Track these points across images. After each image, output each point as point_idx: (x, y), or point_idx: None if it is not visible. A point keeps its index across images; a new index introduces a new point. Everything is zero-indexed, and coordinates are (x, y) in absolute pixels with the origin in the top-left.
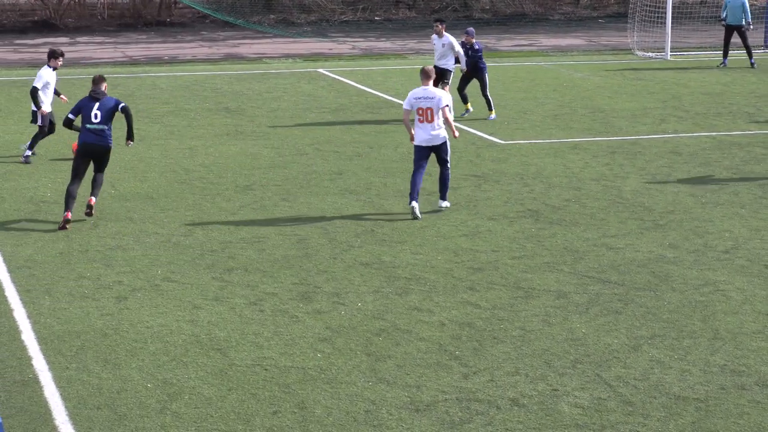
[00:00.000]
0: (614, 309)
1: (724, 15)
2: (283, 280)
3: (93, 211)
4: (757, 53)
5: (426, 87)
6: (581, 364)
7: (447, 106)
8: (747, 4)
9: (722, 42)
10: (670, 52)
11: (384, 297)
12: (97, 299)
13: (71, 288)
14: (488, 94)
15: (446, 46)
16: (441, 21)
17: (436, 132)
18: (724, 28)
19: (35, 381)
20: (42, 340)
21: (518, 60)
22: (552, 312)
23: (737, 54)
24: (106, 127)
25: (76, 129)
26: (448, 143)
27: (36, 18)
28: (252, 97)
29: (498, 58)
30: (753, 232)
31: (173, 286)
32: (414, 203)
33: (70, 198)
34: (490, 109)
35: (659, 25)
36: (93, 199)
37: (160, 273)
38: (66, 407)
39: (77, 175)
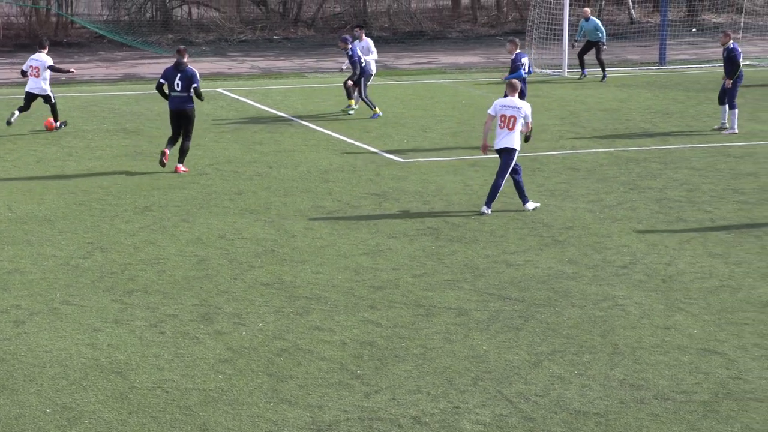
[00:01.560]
0: (515, 325)
1: (580, 37)
2: (183, 301)
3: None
4: (651, 70)
5: (512, 97)
6: (482, 381)
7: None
8: (600, 25)
9: (601, 59)
10: (568, 68)
11: (285, 317)
12: None
13: None
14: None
15: (364, 50)
16: (360, 26)
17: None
18: (580, 44)
19: None
20: None
21: (417, 78)
22: (453, 329)
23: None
24: (186, 94)
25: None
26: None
27: None
28: (151, 118)
29: (397, 76)
30: (650, 247)
31: (72, 309)
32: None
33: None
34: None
35: (556, 42)
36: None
37: (58, 296)
38: None
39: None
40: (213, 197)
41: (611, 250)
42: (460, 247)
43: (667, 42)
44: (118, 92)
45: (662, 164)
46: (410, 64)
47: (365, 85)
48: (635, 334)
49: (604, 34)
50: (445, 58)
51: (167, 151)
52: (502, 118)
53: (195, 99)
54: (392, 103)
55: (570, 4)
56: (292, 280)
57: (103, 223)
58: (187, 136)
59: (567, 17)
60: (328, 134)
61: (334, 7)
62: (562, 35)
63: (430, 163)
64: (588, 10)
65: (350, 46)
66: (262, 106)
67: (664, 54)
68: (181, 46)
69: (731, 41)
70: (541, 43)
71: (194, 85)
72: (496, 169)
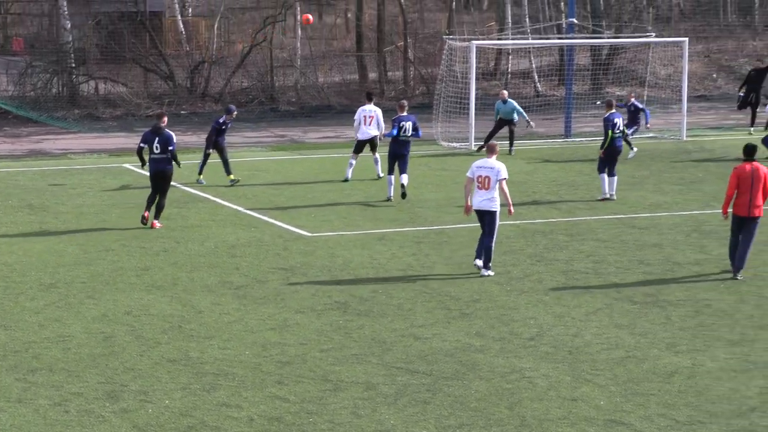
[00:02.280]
0: (422, 399)
1: (497, 118)
2: (88, 379)
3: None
4: (556, 142)
5: (489, 158)
6: None
7: (504, 179)
8: (518, 106)
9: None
10: (474, 141)
11: (192, 393)
12: None
13: None
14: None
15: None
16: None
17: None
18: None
19: None
20: None
21: (325, 152)
22: (361, 404)
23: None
24: (165, 156)
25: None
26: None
27: None
28: (57, 194)
29: (305, 150)
30: (557, 319)
31: None
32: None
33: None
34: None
35: (463, 115)
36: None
37: None
38: None
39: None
40: (119, 273)
41: (518, 322)
42: (367, 321)
43: (572, 115)
44: (24, 168)
45: (569, 236)
46: (318, 138)
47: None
48: (542, 406)
49: (525, 115)
50: (353, 132)
51: (147, 214)
52: (479, 179)
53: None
54: (300, 177)
55: (476, 79)
56: (199, 356)
57: (7, 301)
58: (163, 195)
59: (474, 91)
60: (235, 209)
61: (242, 82)
62: (469, 109)
63: (337, 237)
64: (505, 92)
65: (233, 115)
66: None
67: (570, 126)
68: (159, 110)
69: (613, 110)
70: (448, 117)
71: (170, 148)
72: (480, 234)
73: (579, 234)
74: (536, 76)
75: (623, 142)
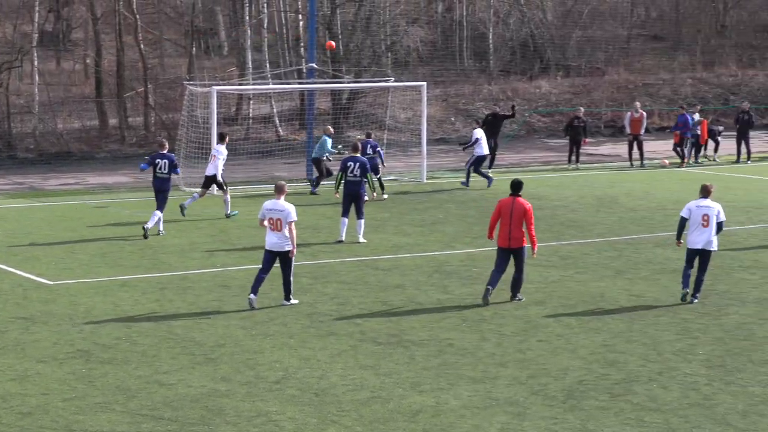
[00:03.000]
0: None
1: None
2: None
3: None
4: (299, 186)
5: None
6: None
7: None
8: (327, 142)
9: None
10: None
11: None
12: None
13: None
14: None
15: None
16: None
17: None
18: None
19: None
20: None
21: (65, 199)
22: None
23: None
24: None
25: None
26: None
27: None
28: None
29: (44, 197)
30: (302, 362)
31: None
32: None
33: None
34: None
35: (205, 160)
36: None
37: None
38: None
39: None
40: None
41: (264, 365)
42: (111, 369)
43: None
44: None
45: (313, 279)
46: (58, 185)
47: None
48: None
49: (329, 149)
50: (93, 179)
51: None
52: (270, 221)
53: None
54: (40, 225)
55: (218, 124)
56: None
57: None
58: None
59: (215, 136)
60: None
61: None
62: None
63: (79, 284)
64: (330, 128)
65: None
66: None
67: (311, 170)
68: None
69: (357, 153)
70: (191, 162)
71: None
72: None
73: (323, 276)
74: (278, 121)
75: (369, 185)
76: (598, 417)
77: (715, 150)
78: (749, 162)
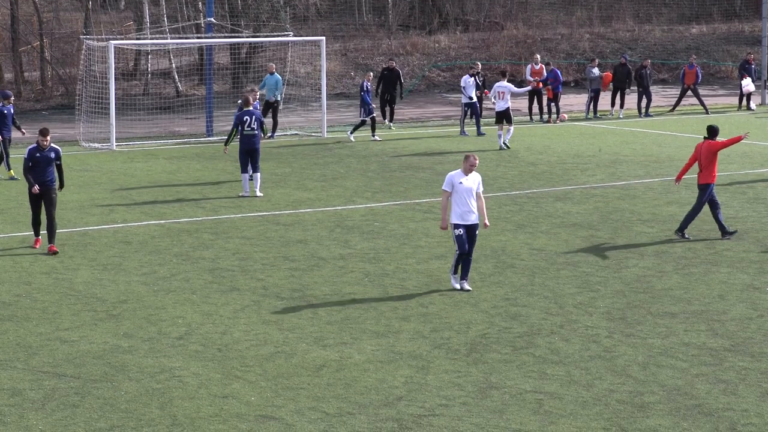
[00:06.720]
0: (71, 403)
1: (262, 88)
2: None
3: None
4: (200, 141)
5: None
6: None
7: None
8: (281, 83)
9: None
10: (116, 142)
11: None
12: None
13: None
14: None
15: None
16: None
17: None
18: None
19: None
20: None
21: None
22: (7, 411)
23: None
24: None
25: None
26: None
27: None
28: None
29: None
30: (205, 317)
31: None
32: None
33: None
34: None
35: (104, 116)
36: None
37: None
38: None
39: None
40: None
41: (166, 321)
42: (11, 326)
43: (214, 114)
44: None
45: (214, 234)
46: None
47: None
48: (193, 404)
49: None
50: None
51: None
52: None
53: None
54: None
55: (116, 79)
56: None
57: None
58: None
59: (113, 91)
60: None
61: None
62: (110, 109)
63: None
64: (272, 65)
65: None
66: None
67: (211, 126)
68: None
69: (249, 107)
70: (91, 117)
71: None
72: None
73: (224, 232)
74: (176, 76)
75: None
76: (501, 370)
77: (621, 105)
78: (647, 116)
